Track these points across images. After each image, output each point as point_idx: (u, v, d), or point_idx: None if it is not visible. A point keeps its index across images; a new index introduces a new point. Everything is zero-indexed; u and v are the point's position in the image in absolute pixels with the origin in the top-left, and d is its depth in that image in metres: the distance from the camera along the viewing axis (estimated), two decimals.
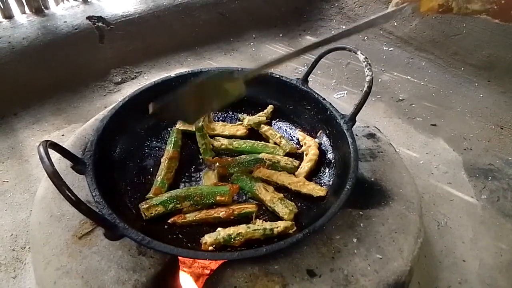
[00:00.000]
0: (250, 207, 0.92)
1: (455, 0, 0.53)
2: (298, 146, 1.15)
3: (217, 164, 1.05)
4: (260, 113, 1.23)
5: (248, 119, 1.18)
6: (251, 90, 0.91)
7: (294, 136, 1.20)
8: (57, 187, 0.65)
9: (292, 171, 1.05)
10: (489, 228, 1.43)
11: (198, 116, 0.97)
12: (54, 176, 0.65)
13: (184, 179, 1.05)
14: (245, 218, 0.92)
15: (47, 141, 0.74)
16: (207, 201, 0.93)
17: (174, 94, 0.83)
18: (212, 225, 0.90)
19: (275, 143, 1.15)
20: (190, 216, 0.91)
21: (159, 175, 1.01)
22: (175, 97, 0.84)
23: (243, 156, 1.08)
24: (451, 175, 1.65)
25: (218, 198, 0.92)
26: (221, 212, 0.90)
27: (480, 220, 1.46)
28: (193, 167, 1.08)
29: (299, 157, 1.12)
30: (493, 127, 1.92)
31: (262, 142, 1.15)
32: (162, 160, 1.05)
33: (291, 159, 1.08)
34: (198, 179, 1.05)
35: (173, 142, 1.10)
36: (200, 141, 1.10)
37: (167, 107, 0.83)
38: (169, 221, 0.90)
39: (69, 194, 0.65)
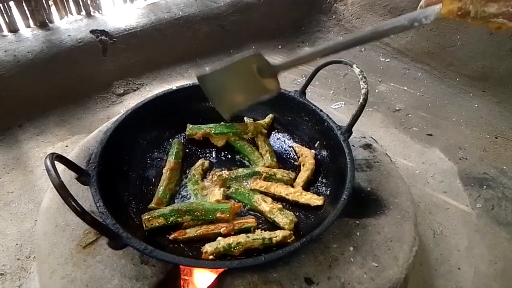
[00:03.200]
0: (250, 222, 0.94)
1: (472, 4, 0.53)
2: (279, 165, 1.16)
3: (214, 178, 1.07)
4: (260, 121, 1.27)
5: (250, 122, 1.23)
6: None
7: (292, 147, 1.23)
8: (63, 198, 0.67)
9: (288, 183, 1.07)
10: (484, 236, 1.44)
11: (230, 109, 0.96)
12: (61, 188, 0.67)
13: (185, 190, 1.07)
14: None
15: (53, 153, 0.77)
16: (207, 217, 0.94)
17: (218, 69, 0.85)
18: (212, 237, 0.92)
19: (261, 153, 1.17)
20: (191, 232, 0.92)
21: (161, 185, 1.03)
22: (219, 71, 0.85)
23: (240, 170, 1.11)
24: (447, 184, 1.67)
25: (218, 215, 0.93)
26: (221, 228, 0.91)
27: (475, 229, 1.47)
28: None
29: (296, 168, 1.15)
30: (488, 136, 1.95)
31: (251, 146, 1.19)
32: (163, 171, 1.07)
33: (287, 171, 1.10)
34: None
35: (174, 153, 1.13)
36: (191, 187, 1.08)
37: (210, 79, 0.85)
38: (170, 237, 0.91)
39: (75, 205, 0.67)
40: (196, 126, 1.22)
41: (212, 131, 1.19)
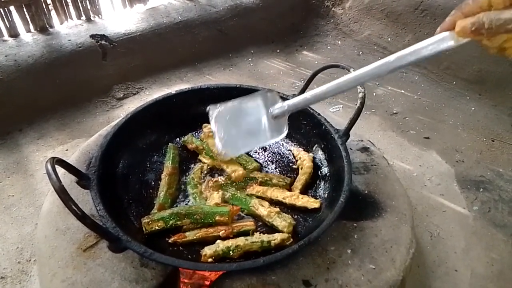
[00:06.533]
0: (249, 225, 0.94)
1: (485, 15, 0.50)
2: (278, 169, 1.16)
3: (211, 184, 1.08)
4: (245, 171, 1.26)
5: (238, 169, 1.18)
6: None
7: (290, 150, 1.24)
8: (64, 202, 0.68)
9: (284, 188, 1.08)
10: (481, 238, 1.46)
11: (235, 150, 0.89)
12: (61, 192, 0.68)
13: (184, 193, 1.08)
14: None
15: (54, 157, 0.77)
16: (207, 220, 0.95)
17: (231, 105, 0.82)
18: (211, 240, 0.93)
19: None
20: (190, 235, 0.93)
21: (161, 191, 1.04)
22: (233, 107, 0.83)
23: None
24: (444, 187, 1.68)
25: (217, 218, 0.94)
26: (220, 231, 0.92)
27: (472, 231, 1.48)
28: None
29: (294, 171, 1.16)
30: (485, 139, 1.97)
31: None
32: (162, 176, 1.08)
33: (283, 176, 1.11)
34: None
35: (171, 158, 1.13)
36: (190, 190, 1.08)
37: (222, 113, 0.83)
38: (170, 241, 0.92)
39: (75, 209, 0.68)
40: (195, 138, 1.23)
41: (204, 152, 1.18)
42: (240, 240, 0.88)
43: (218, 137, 0.85)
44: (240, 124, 0.84)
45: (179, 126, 1.26)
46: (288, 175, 1.14)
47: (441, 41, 0.57)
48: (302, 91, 1.26)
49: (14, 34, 2.14)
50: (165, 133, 1.26)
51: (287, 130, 0.85)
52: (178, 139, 1.26)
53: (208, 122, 1.20)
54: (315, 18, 3.09)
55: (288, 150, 1.24)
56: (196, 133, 1.27)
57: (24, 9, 2.12)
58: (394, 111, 2.19)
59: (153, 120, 1.20)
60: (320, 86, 0.74)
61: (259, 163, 1.17)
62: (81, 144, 1.29)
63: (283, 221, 0.95)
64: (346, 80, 0.70)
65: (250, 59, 2.71)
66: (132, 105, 2.16)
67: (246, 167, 1.13)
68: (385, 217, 1.01)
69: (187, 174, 1.13)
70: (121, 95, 2.25)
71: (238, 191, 1.07)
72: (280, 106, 0.81)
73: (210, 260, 0.85)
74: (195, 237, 0.92)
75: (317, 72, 1.20)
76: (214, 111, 0.85)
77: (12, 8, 2.09)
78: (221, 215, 0.94)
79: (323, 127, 1.14)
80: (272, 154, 1.23)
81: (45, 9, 2.20)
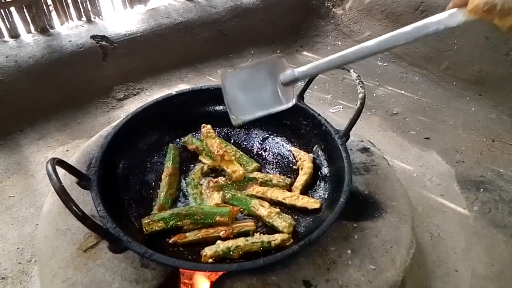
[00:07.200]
0: (249, 225, 0.95)
1: None
2: (278, 170, 1.16)
3: (211, 184, 1.08)
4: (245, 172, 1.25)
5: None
6: None
7: (290, 151, 1.24)
8: (64, 202, 0.68)
9: (284, 188, 1.08)
10: (481, 238, 1.46)
11: (243, 114, 0.88)
12: (62, 192, 0.68)
13: (185, 194, 1.08)
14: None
15: (54, 158, 0.78)
16: (207, 221, 0.95)
17: (243, 69, 0.84)
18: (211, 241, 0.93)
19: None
20: (190, 236, 0.93)
21: (161, 191, 1.04)
22: (244, 71, 0.84)
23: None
24: (444, 187, 1.68)
25: (218, 218, 0.94)
26: (221, 232, 0.92)
27: (472, 231, 1.49)
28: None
29: (294, 172, 1.17)
30: (485, 140, 1.97)
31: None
32: (162, 177, 1.08)
33: (283, 177, 1.11)
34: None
35: (171, 158, 1.13)
36: (191, 191, 1.08)
37: (232, 78, 0.83)
38: (170, 241, 0.92)
39: (76, 210, 0.68)
40: (195, 138, 1.23)
41: (204, 152, 1.18)
42: (241, 241, 0.88)
43: (229, 102, 0.85)
44: (249, 90, 0.85)
45: (180, 126, 1.27)
46: (288, 175, 1.14)
47: (452, 16, 0.57)
48: (303, 91, 1.26)
49: (14, 35, 2.15)
50: (165, 134, 1.26)
51: (295, 100, 0.87)
52: (178, 139, 1.26)
53: (206, 123, 1.22)
54: (315, 18, 3.09)
55: (288, 150, 1.24)
56: (196, 134, 1.27)
57: (25, 10, 2.13)
58: (394, 112, 2.19)
59: (154, 120, 1.21)
60: (327, 56, 0.74)
61: (259, 163, 1.17)
62: (81, 145, 1.29)
63: (283, 222, 0.95)
64: (356, 50, 0.71)
65: (250, 59, 2.71)
66: (133, 105, 2.17)
67: (246, 167, 1.13)
68: (385, 217, 1.01)
69: (187, 174, 1.14)
70: (122, 96, 2.25)
71: (238, 192, 1.07)
72: (289, 73, 0.82)
73: (210, 260, 0.86)
74: (195, 238, 0.93)
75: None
76: (225, 75, 0.85)
77: (12, 9, 2.09)
78: (221, 216, 0.94)
79: (323, 127, 1.14)
80: (272, 155, 1.23)
81: (46, 10, 2.20)
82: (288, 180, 1.10)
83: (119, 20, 2.41)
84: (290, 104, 0.87)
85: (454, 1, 0.57)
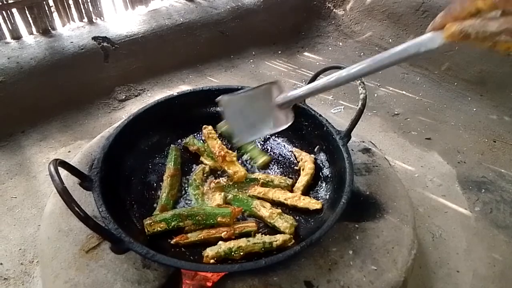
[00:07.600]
0: (250, 226, 0.95)
1: (471, 26, 0.51)
2: (279, 170, 1.17)
3: (213, 185, 1.08)
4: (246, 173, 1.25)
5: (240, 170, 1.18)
6: None
7: (291, 152, 1.24)
8: (67, 203, 0.69)
9: (285, 189, 1.08)
10: (483, 239, 1.45)
11: (246, 137, 0.92)
12: (64, 193, 0.69)
13: (186, 195, 1.09)
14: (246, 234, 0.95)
15: (56, 159, 0.78)
16: (209, 222, 0.95)
17: (242, 94, 0.88)
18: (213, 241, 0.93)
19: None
20: (192, 236, 0.93)
21: (163, 192, 1.04)
22: (242, 97, 0.88)
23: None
24: (445, 188, 1.68)
25: (219, 219, 0.94)
26: (222, 232, 0.92)
27: (474, 232, 1.48)
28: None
29: (296, 172, 1.17)
30: (486, 140, 1.97)
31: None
32: (164, 177, 1.08)
33: (284, 177, 1.12)
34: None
35: (173, 159, 1.14)
36: (192, 192, 1.09)
37: (232, 103, 0.88)
38: (172, 242, 0.93)
39: (78, 210, 0.68)
40: (197, 139, 1.24)
41: (206, 153, 1.18)
42: (242, 241, 0.89)
43: (231, 127, 0.90)
44: (248, 114, 0.89)
45: (181, 127, 1.27)
46: (290, 176, 1.15)
47: (431, 40, 0.59)
48: None
49: (16, 36, 2.15)
50: (167, 135, 1.26)
51: (292, 120, 0.91)
52: (180, 140, 1.27)
53: (208, 124, 1.22)
54: (316, 19, 3.10)
55: (290, 151, 1.24)
56: (198, 135, 1.27)
57: (27, 12, 2.14)
58: (396, 112, 2.19)
59: (155, 122, 1.21)
60: (321, 79, 0.80)
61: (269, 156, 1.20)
62: (83, 146, 1.30)
63: (284, 222, 0.95)
64: (343, 76, 0.76)
65: (251, 60, 2.71)
66: (134, 106, 2.17)
67: (256, 160, 1.17)
68: (386, 218, 1.01)
69: (189, 175, 1.14)
70: (123, 97, 2.26)
71: (240, 193, 1.07)
72: (284, 96, 0.87)
73: (212, 261, 0.86)
74: (197, 238, 0.93)
75: (319, 73, 1.20)
76: (225, 102, 0.89)
77: (14, 10, 2.10)
78: (223, 216, 0.94)
79: (325, 128, 1.14)
80: (273, 155, 1.23)
81: (48, 12, 2.21)
82: (289, 181, 1.10)
83: (120, 21, 2.42)
84: (287, 125, 0.91)
85: (433, 25, 0.59)
